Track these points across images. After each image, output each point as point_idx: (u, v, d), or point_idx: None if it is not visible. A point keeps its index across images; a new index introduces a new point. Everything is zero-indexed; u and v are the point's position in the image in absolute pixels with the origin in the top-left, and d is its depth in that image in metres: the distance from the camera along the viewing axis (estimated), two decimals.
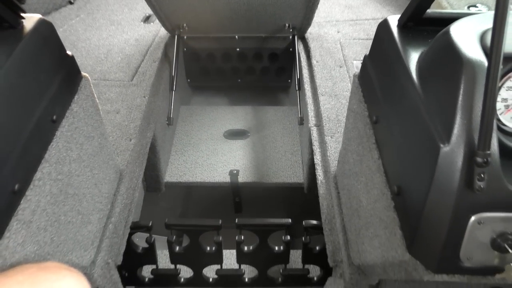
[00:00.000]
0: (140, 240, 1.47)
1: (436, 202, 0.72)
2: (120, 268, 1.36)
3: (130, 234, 1.40)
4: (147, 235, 1.42)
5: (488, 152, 0.65)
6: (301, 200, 1.98)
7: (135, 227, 1.40)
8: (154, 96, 1.89)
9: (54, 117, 1.01)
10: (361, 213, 1.11)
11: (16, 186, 0.85)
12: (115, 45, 2.17)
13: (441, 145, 0.70)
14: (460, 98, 0.69)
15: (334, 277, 1.25)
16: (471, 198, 0.70)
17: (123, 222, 1.37)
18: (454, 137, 0.69)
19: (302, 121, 2.00)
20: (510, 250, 0.70)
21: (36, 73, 0.97)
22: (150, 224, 1.39)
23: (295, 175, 1.97)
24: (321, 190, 1.48)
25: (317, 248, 1.44)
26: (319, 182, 1.51)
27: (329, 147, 1.57)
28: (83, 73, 1.20)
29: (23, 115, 0.90)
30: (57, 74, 1.06)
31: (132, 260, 1.46)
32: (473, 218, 0.71)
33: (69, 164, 1.07)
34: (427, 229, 0.75)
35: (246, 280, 1.55)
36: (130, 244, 1.42)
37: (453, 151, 0.69)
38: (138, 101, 1.79)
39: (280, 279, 1.54)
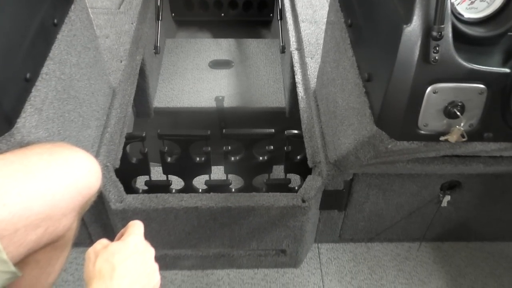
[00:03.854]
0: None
1: (398, 76, 0.85)
2: None
3: (125, 144, 1.51)
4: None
5: (442, 26, 0.77)
6: (282, 123, 2.10)
7: (130, 137, 1.51)
8: (141, 24, 1.95)
9: (55, 20, 1.10)
10: (338, 113, 1.24)
11: (28, 75, 0.95)
12: None
13: (404, 26, 0.82)
14: None
15: (313, 175, 1.39)
16: (427, 70, 0.82)
17: (118, 132, 1.48)
18: (415, 17, 0.81)
19: (284, 49, 2.09)
20: (458, 114, 0.83)
21: None
22: (144, 134, 1.49)
23: (277, 101, 2.09)
24: (302, 104, 1.60)
25: (298, 157, 1.57)
26: (300, 98, 1.63)
27: (309, 67, 1.68)
28: None
29: (30, 12, 0.99)
30: None
31: (127, 171, 1.57)
32: (429, 88, 0.84)
33: (69, 67, 1.16)
34: (391, 101, 0.88)
35: (233, 190, 1.68)
36: (124, 155, 1.52)
37: (414, 29, 0.81)
38: (127, 27, 1.85)
39: (264, 189, 1.68)
